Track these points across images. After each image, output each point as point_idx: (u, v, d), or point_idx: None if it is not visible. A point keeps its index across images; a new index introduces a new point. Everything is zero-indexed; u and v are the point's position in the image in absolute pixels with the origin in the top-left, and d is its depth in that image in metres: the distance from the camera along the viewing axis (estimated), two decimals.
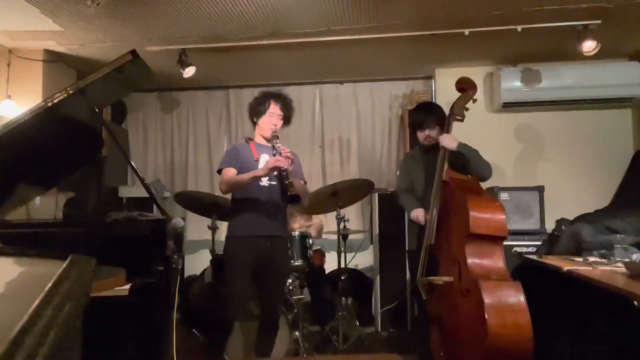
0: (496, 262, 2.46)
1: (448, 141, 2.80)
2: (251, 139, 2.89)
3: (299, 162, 2.94)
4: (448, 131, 2.86)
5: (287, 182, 2.56)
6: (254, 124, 2.88)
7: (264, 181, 2.72)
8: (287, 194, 2.57)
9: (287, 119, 2.85)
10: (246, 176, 2.64)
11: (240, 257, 2.71)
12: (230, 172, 2.73)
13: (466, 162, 2.87)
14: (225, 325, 2.81)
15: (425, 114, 3.03)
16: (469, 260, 2.43)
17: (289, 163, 2.58)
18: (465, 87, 2.89)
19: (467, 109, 2.87)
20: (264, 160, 2.75)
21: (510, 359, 2.17)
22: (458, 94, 2.90)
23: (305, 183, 2.96)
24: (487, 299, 2.22)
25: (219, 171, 2.81)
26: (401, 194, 3.20)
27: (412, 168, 3.15)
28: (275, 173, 2.66)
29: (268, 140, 2.80)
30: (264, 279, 2.80)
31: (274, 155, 2.65)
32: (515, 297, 2.26)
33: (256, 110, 2.82)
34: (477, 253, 2.45)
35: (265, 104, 2.79)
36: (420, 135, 3.05)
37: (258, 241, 2.71)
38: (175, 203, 3.97)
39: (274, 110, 2.78)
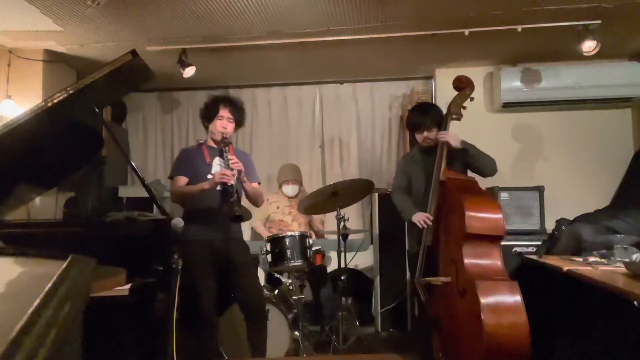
0: (493, 261, 2.46)
1: (453, 139, 2.78)
2: (204, 142, 2.96)
3: (252, 163, 3.01)
4: (446, 130, 2.86)
5: (232, 199, 2.59)
6: (206, 128, 2.94)
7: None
8: (230, 214, 2.59)
9: (238, 122, 2.91)
10: (193, 189, 2.73)
11: (198, 260, 2.73)
12: (181, 181, 2.81)
13: (472, 158, 2.86)
14: (205, 325, 2.82)
15: (423, 116, 3.02)
16: (466, 261, 2.43)
17: (234, 177, 2.61)
18: (463, 85, 2.89)
19: (464, 108, 2.86)
20: (217, 163, 2.82)
21: (508, 359, 2.16)
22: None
23: (259, 184, 3.03)
24: (483, 299, 2.21)
25: (171, 177, 2.89)
26: (397, 193, 3.17)
27: (412, 169, 3.14)
28: (219, 187, 2.68)
29: (217, 143, 2.85)
30: (233, 279, 2.83)
31: (224, 160, 2.69)
32: (512, 297, 2.26)
33: (206, 115, 2.89)
34: (474, 253, 2.45)
35: (214, 107, 2.85)
36: (419, 136, 3.04)
37: (214, 244, 2.76)
38: (175, 203, 3.97)
39: (223, 114, 2.83)
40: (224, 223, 2.75)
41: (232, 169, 2.63)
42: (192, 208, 2.83)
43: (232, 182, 2.60)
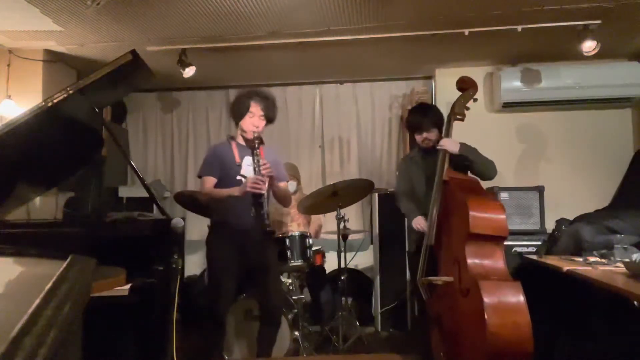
0: (496, 262, 2.45)
1: (451, 145, 2.77)
2: (233, 138, 2.86)
3: (280, 162, 2.94)
4: (448, 131, 2.85)
5: (262, 212, 2.56)
6: (236, 124, 2.84)
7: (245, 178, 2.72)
8: (262, 228, 2.58)
9: (269, 119, 2.79)
10: (223, 193, 2.66)
11: (225, 256, 2.72)
12: (210, 182, 2.73)
13: (470, 163, 2.86)
14: (217, 325, 2.81)
15: (422, 116, 3.01)
16: (469, 261, 2.43)
17: (266, 186, 2.56)
18: (466, 86, 2.88)
19: (467, 108, 2.86)
20: (247, 163, 2.74)
21: (510, 359, 2.16)
22: (458, 94, 2.90)
23: (287, 181, 2.99)
24: (487, 299, 2.21)
25: (200, 176, 2.82)
26: (401, 198, 3.18)
27: (412, 170, 3.14)
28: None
29: (249, 142, 2.76)
30: (256, 277, 2.81)
31: (254, 162, 2.64)
32: (515, 297, 2.25)
33: (237, 112, 2.77)
34: (477, 253, 2.45)
35: (245, 104, 2.73)
36: (418, 137, 3.04)
37: (242, 239, 2.70)
38: (175, 203, 3.97)
39: (255, 111, 2.72)
40: (255, 219, 2.67)
41: (262, 175, 2.56)
42: (220, 203, 2.74)
43: (263, 191, 2.54)
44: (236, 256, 2.71)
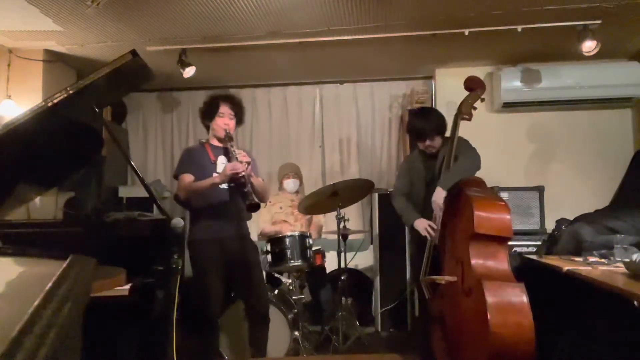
0: (500, 262, 2.45)
1: (440, 196, 2.69)
2: (206, 141, 2.94)
3: (254, 160, 2.98)
4: (455, 131, 2.81)
5: (246, 189, 2.59)
6: (207, 127, 2.94)
7: (223, 184, 2.76)
8: (247, 202, 2.61)
9: (238, 118, 2.91)
10: (204, 183, 2.68)
11: (207, 259, 2.74)
12: (187, 179, 2.77)
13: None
14: (209, 327, 2.82)
15: (423, 123, 2.97)
16: (473, 261, 2.42)
17: (245, 167, 2.60)
18: (474, 86, 2.88)
19: (475, 108, 2.86)
20: (222, 162, 2.80)
21: (512, 359, 2.16)
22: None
23: (263, 180, 3.02)
24: (490, 299, 2.21)
25: (176, 177, 2.87)
26: (399, 197, 3.16)
27: (414, 173, 3.12)
28: (232, 182, 2.67)
29: (221, 140, 2.85)
30: (239, 278, 2.83)
31: (229, 158, 2.68)
32: (519, 297, 2.25)
33: (207, 113, 2.88)
34: (481, 253, 2.44)
35: (214, 105, 2.85)
36: (421, 144, 3.02)
37: (223, 243, 2.75)
38: (175, 203, 3.97)
39: (224, 110, 2.83)
40: (234, 220, 2.76)
41: (241, 162, 2.61)
42: (200, 206, 2.80)
43: (243, 172, 2.58)
44: (220, 255, 2.75)
